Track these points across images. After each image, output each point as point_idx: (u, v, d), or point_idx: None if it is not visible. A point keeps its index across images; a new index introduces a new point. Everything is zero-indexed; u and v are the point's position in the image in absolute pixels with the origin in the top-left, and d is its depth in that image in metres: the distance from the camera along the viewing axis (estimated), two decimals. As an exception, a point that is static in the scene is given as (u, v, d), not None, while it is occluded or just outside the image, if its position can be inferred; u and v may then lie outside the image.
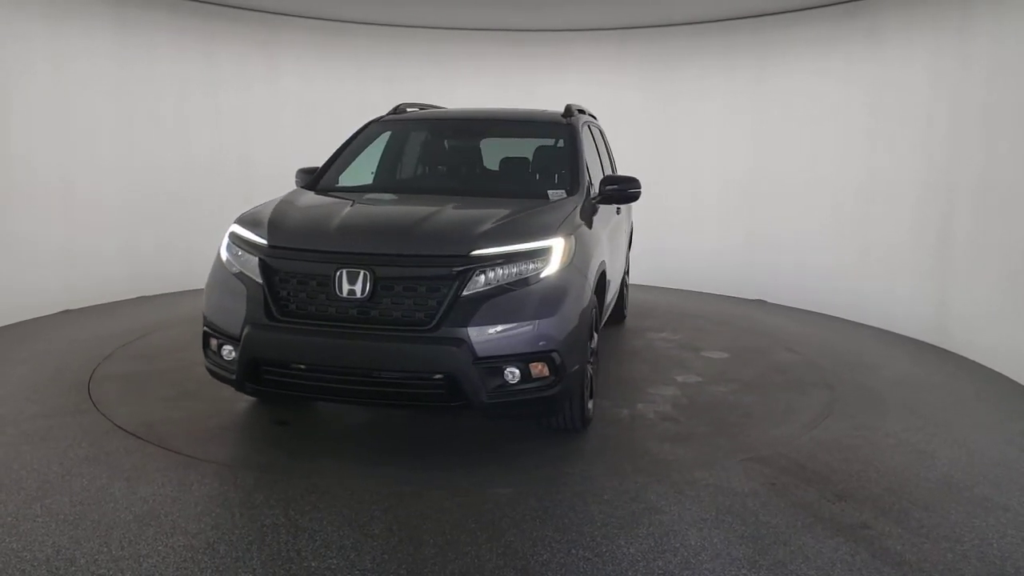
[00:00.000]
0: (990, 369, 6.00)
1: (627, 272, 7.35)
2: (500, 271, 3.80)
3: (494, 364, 3.70)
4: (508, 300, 3.76)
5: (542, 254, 3.91)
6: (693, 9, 8.31)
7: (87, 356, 5.64)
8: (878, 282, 7.42)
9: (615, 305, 6.84)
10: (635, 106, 9.14)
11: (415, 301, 3.74)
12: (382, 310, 3.76)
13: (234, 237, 4.21)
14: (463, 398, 3.69)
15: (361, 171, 5.48)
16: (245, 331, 3.83)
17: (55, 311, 7.11)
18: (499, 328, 3.70)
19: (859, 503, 3.62)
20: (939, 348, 6.65)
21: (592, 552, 3.11)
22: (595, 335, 4.55)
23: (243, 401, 4.74)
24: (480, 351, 3.65)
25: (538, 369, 3.78)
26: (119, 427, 4.30)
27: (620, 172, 6.69)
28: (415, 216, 4.19)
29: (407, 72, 9.41)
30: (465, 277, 3.74)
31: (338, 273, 3.79)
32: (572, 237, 4.11)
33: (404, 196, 5.17)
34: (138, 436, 4.17)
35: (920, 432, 4.61)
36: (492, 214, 4.17)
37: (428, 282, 3.75)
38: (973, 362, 6.22)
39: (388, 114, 5.87)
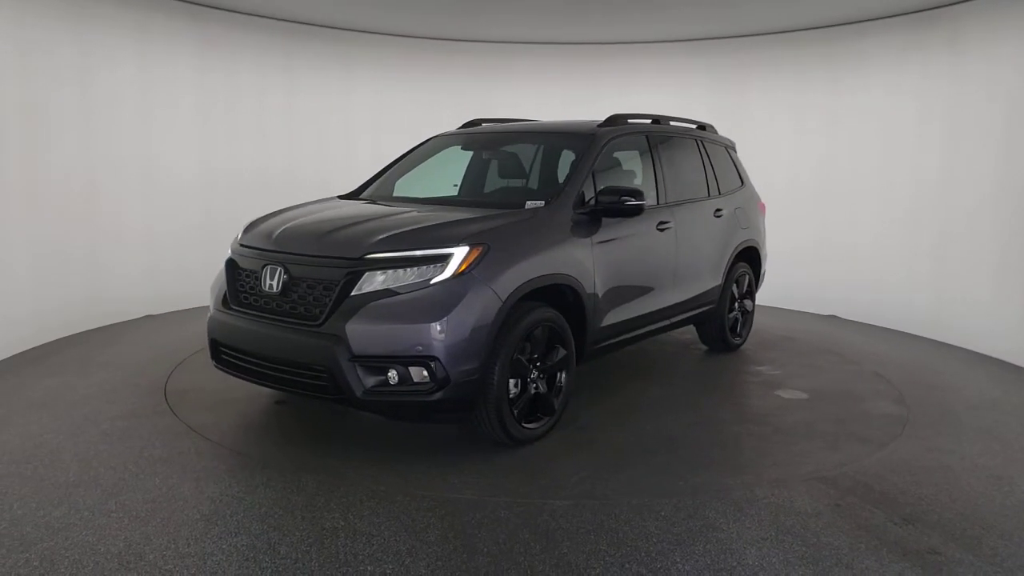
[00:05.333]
0: (1079, 392, 5.70)
1: (743, 297, 6.67)
2: (394, 274, 3.94)
3: (375, 363, 3.85)
4: (392, 303, 3.87)
5: (438, 261, 3.96)
6: (763, 21, 8.19)
7: (166, 360, 5.89)
8: (959, 299, 7.14)
9: (715, 332, 6.42)
10: (703, 117, 9.03)
11: (314, 298, 4.03)
12: (292, 304, 4.11)
13: (235, 237, 4.76)
14: (341, 392, 3.86)
15: (418, 182, 5.66)
16: (210, 314, 4.53)
17: (139, 316, 7.46)
18: (376, 328, 3.83)
19: (928, 527, 3.48)
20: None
21: (646, 568, 3.08)
22: (559, 349, 4.42)
23: (316, 407, 4.87)
24: (356, 349, 3.81)
25: (419, 374, 3.84)
26: (192, 429, 4.47)
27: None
28: (341, 222, 4.43)
29: (477, 85, 9.58)
30: (355, 278, 3.94)
31: (264, 269, 4.26)
32: (483, 247, 4.03)
33: (388, 204, 5.03)
34: (207, 437, 4.34)
35: (998, 456, 4.41)
36: (418, 219, 4.36)
37: (325, 281, 4.02)
38: (1060, 384, 5.92)
39: (459, 128, 6.00)
